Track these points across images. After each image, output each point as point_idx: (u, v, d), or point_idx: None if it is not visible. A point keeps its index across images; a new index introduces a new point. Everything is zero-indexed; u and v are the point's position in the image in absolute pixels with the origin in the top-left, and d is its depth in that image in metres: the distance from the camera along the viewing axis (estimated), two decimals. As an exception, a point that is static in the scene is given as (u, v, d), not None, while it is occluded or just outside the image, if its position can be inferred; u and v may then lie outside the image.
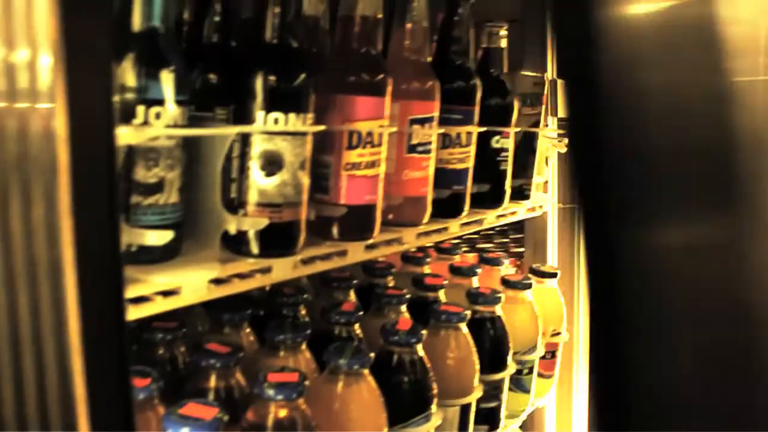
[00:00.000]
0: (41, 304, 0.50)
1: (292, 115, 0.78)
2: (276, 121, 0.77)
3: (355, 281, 1.22)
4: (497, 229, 1.88)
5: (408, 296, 1.18)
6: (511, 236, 2.11)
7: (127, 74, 0.69)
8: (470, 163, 1.14)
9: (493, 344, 1.22)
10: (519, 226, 1.72)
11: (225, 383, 0.88)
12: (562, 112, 1.53)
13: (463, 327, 1.13)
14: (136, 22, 0.71)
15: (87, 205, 0.50)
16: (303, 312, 1.14)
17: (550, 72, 1.53)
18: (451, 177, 1.12)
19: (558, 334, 1.47)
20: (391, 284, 1.32)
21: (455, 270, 1.36)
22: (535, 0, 1.57)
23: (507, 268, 1.54)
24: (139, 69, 0.69)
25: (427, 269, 1.41)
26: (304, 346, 0.97)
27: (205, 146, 0.77)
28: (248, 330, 1.04)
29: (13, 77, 0.49)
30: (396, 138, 1.00)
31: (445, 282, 1.28)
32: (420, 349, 1.01)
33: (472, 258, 1.87)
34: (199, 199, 0.79)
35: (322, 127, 0.83)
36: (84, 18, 0.50)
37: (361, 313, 1.07)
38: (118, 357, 0.53)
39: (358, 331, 1.07)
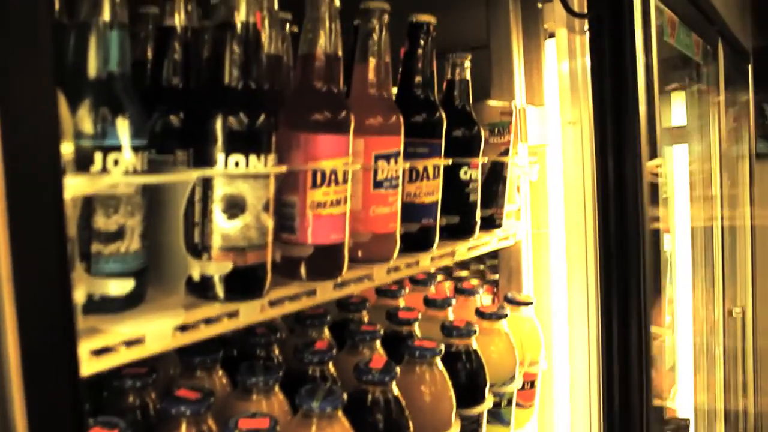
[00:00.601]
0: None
1: (252, 157, 0.76)
2: (236, 163, 0.76)
3: (328, 318, 1.21)
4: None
5: (382, 331, 1.17)
6: (488, 263, 2.11)
7: (84, 120, 0.68)
8: (438, 196, 1.13)
9: (469, 378, 1.21)
10: (494, 253, 1.71)
11: (196, 430, 0.86)
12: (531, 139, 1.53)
13: (438, 362, 1.12)
14: (92, 67, 0.70)
15: (28, 257, 0.49)
16: (276, 351, 1.13)
17: (518, 99, 1.53)
18: (420, 211, 1.11)
19: (536, 363, 1.46)
20: (365, 319, 1.31)
21: (429, 302, 1.35)
22: (502, 26, 1.58)
23: (482, 297, 1.54)
24: (96, 115, 0.68)
25: (401, 301, 1.41)
26: (276, 388, 0.96)
27: (166, 190, 0.76)
28: (221, 372, 1.02)
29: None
30: (362, 174, 0.99)
31: (420, 315, 1.27)
32: (394, 387, 1.00)
33: (447, 286, 1.87)
34: (162, 243, 0.77)
35: (283, 168, 0.82)
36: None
37: (334, 351, 1.06)
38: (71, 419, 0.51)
39: (332, 370, 1.06)
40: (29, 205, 0.50)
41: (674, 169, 2.59)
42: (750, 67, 3.35)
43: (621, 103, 1.50)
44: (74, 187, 0.62)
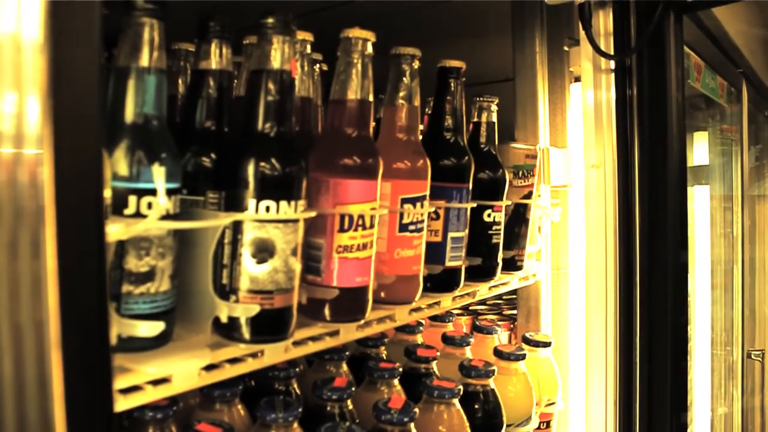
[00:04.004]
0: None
1: (283, 203, 0.77)
2: (267, 209, 0.77)
3: (347, 353, 1.22)
4: (491, 291, 1.87)
5: (400, 369, 1.17)
6: (504, 297, 2.11)
7: (119, 163, 0.69)
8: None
9: (486, 418, 1.21)
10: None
11: (215, 465, 0.87)
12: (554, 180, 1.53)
13: (456, 402, 1.12)
14: (129, 111, 0.71)
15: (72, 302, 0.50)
16: (295, 386, 1.13)
17: (542, 141, 1.54)
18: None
19: (553, 403, 1.46)
20: (383, 354, 1.31)
21: (448, 340, 1.36)
22: (528, 67, 1.58)
23: (500, 334, 1.54)
24: (131, 158, 0.69)
25: (419, 338, 1.41)
26: (295, 425, 0.96)
27: (197, 232, 0.77)
28: (239, 406, 1.03)
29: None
30: (388, 217, 0.99)
31: (438, 353, 1.28)
32: (413, 428, 1.00)
33: (464, 321, 1.87)
34: (190, 282, 0.79)
35: (312, 214, 0.82)
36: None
37: (353, 388, 1.06)
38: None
39: (351, 407, 1.06)
40: (75, 254, 0.52)
41: (695, 208, 2.58)
42: (773, 106, 3.34)
43: (656, 144, 1.49)
44: (113, 234, 0.64)
